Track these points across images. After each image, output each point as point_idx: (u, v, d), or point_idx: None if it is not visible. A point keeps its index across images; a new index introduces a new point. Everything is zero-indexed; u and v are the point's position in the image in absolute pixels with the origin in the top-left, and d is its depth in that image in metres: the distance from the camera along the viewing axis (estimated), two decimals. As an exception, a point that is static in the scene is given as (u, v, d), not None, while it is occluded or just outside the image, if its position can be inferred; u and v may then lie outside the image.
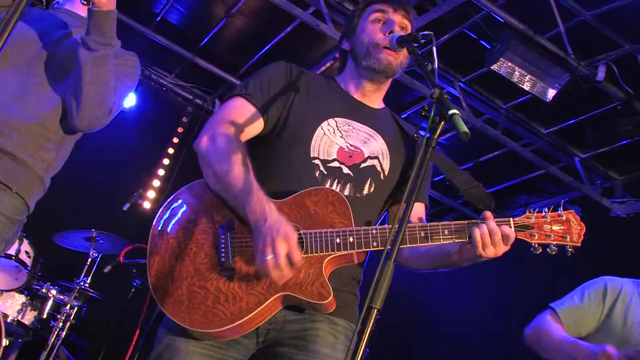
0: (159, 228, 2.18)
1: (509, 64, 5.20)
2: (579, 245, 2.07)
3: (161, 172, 7.67)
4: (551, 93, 5.37)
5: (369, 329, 1.64)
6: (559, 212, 2.10)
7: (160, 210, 2.21)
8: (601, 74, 5.32)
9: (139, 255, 5.51)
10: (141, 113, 7.65)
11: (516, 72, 5.25)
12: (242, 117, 2.29)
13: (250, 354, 2.21)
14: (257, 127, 2.33)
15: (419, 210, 2.45)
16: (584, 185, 6.98)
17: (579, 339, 3.15)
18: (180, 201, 2.22)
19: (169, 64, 7.73)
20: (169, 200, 2.23)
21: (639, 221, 6.76)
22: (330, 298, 2.04)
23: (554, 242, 2.07)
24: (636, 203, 6.84)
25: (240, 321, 2.02)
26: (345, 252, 2.09)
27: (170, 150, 7.83)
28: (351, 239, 2.08)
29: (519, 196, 8.06)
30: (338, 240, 2.07)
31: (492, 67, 5.26)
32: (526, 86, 5.33)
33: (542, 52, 5.32)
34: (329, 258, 2.08)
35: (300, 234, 2.07)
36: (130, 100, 7.60)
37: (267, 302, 2.04)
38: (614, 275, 3.37)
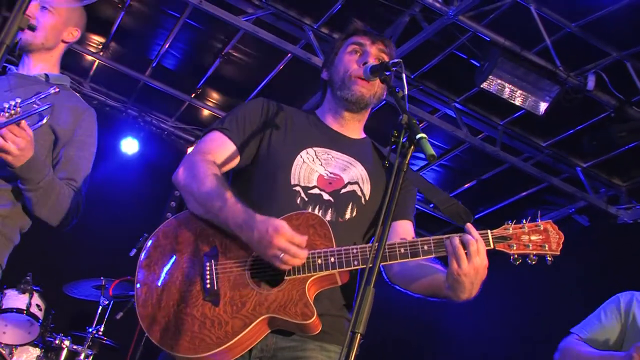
0: (146, 259, 2.23)
1: (498, 81, 5.25)
2: (558, 253, 2.08)
3: (169, 215, 7.75)
4: (543, 106, 5.40)
5: (354, 353, 1.68)
6: (537, 222, 2.13)
7: (147, 241, 2.26)
8: (591, 83, 5.36)
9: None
10: (144, 158, 7.76)
11: (506, 89, 5.30)
12: (218, 148, 2.36)
13: None
14: (233, 159, 2.39)
15: (406, 227, 2.47)
16: (588, 194, 6.96)
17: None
18: (166, 232, 2.27)
19: (169, 108, 7.86)
20: (155, 231, 2.27)
21: (646, 226, 6.73)
22: (314, 318, 2.06)
23: (533, 252, 2.08)
24: (642, 208, 6.82)
25: (226, 345, 2.05)
26: (327, 273, 2.12)
27: (177, 193, 7.90)
28: (332, 259, 2.11)
29: (526, 210, 8.02)
30: (320, 261, 2.11)
31: (482, 86, 5.31)
32: (517, 101, 5.37)
33: (529, 67, 5.38)
34: (311, 279, 2.11)
35: None
36: (133, 147, 7.73)
37: (252, 325, 2.07)
38: (625, 282, 3.39)
